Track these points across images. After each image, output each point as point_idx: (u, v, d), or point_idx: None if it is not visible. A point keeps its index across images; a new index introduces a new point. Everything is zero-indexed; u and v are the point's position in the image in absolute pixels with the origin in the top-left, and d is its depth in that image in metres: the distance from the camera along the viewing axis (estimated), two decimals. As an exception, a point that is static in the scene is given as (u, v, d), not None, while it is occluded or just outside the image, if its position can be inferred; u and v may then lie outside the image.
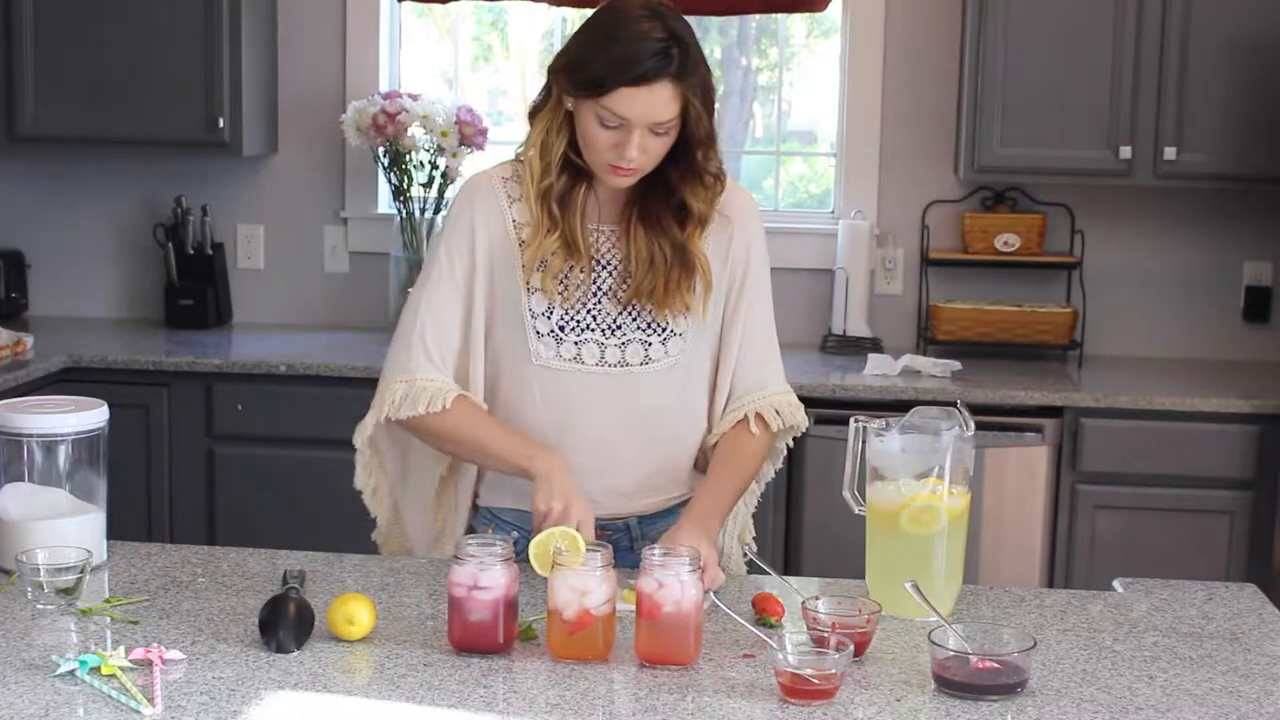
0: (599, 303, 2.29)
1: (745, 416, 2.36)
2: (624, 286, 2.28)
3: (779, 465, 2.48)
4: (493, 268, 2.30)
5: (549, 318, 2.28)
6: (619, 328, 2.29)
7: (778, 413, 2.37)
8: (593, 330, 2.28)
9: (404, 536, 2.45)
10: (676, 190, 2.26)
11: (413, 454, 2.41)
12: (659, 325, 2.29)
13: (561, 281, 2.27)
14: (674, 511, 2.38)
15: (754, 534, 2.48)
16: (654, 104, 2.14)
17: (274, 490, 4.10)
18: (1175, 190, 4.38)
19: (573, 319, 2.28)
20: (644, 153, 2.18)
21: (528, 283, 2.27)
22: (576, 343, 2.28)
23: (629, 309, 2.29)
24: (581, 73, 2.17)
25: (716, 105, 2.27)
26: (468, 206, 2.33)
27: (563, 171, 2.25)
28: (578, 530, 2.08)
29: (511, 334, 2.30)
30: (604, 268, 2.30)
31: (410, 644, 1.96)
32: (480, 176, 2.36)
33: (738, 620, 1.97)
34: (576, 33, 2.24)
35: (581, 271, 2.27)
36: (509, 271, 2.29)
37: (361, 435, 2.36)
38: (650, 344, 2.29)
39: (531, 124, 2.28)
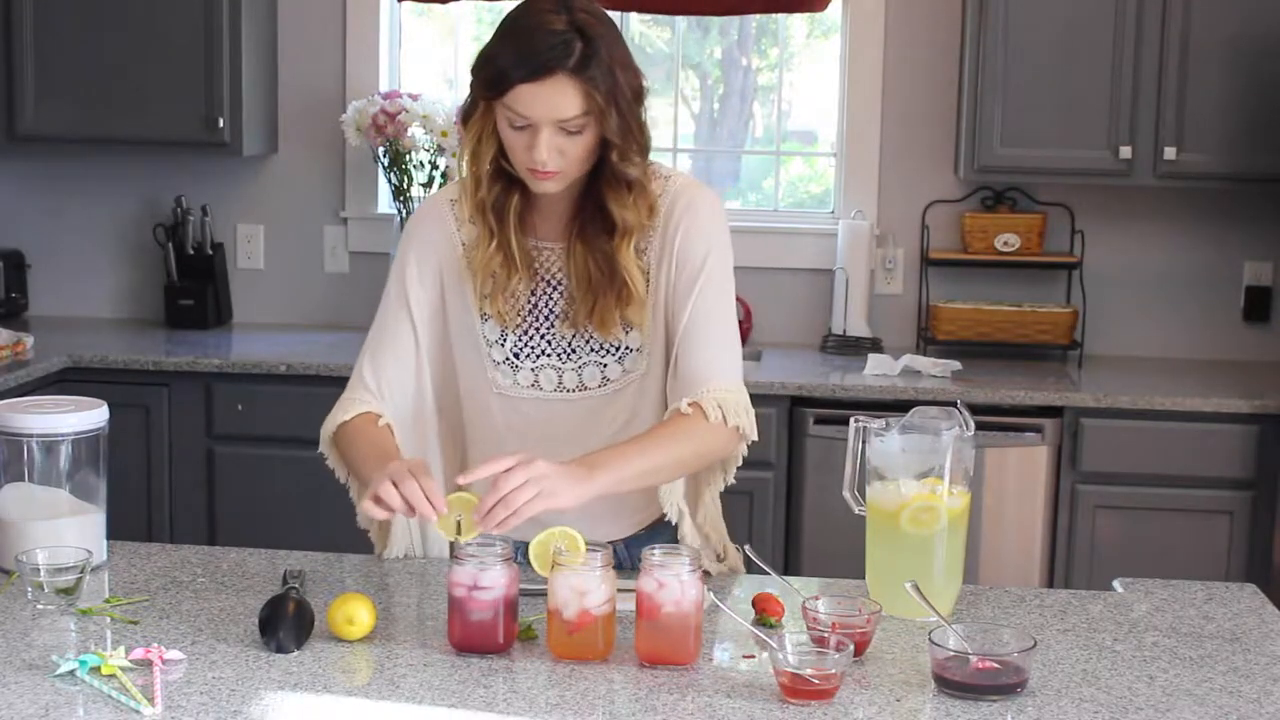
0: (551, 326, 2.23)
1: (679, 407, 2.16)
2: (573, 308, 2.22)
3: (730, 479, 2.31)
4: (444, 294, 2.26)
5: (503, 345, 2.24)
6: (573, 351, 2.23)
7: (719, 406, 2.16)
8: (548, 355, 2.24)
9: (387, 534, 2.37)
10: (604, 199, 2.16)
11: None
12: (610, 345, 2.22)
13: (508, 301, 2.21)
14: (658, 532, 2.31)
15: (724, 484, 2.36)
16: (554, 100, 2.03)
17: (274, 490, 4.11)
18: (1175, 190, 4.38)
19: (527, 345, 2.24)
20: (559, 154, 2.08)
21: (481, 310, 2.23)
22: (533, 369, 2.24)
23: (581, 331, 2.22)
24: (484, 73, 2.08)
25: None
26: (414, 235, 2.29)
27: (497, 180, 2.17)
28: (417, 476, 1.98)
29: (472, 363, 2.27)
30: (554, 289, 2.23)
31: (410, 644, 1.96)
32: (428, 202, 2.32)
33: (738, 620, 1.97)
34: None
35: (525, 287, 2.21)
36: (463, 297, 2.25)
37: (321, 445, 2.32)
38: (606, 365, 2.24)
39: (464, 132, 2.18)
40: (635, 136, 2.13)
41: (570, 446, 2.16)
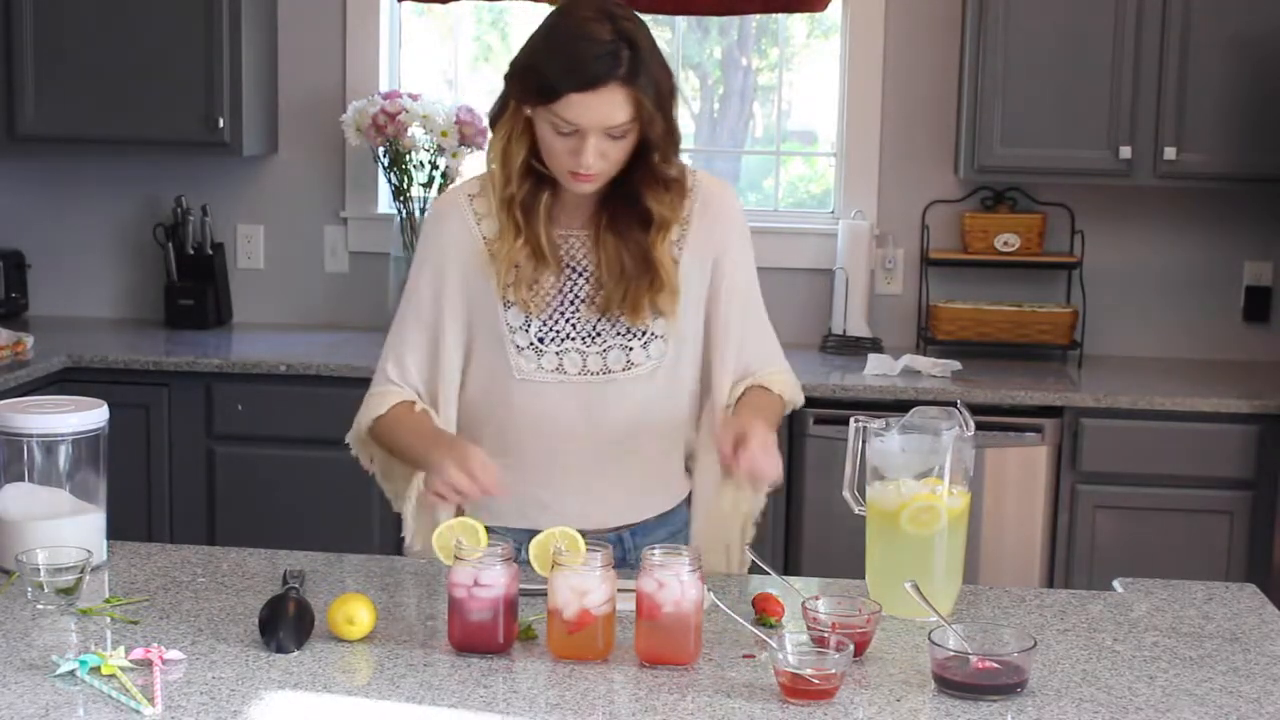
0: (577, 311, 2.27)
1: (754, 384, 2.35)
2: (600, 293, 2.26)
3: None
4: (467, 288, 2.29)
5: (527, 330, 2.26)
6: (599, 335, 2.27)
7: (783, 386, 2.37)
8: (573, 339, 2.27)
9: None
10: (639, 195, 2.22)
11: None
12: (638, 330, 2.27)
13: (533, 289, 2.25)
14: (667, 521, 2.37)
15: (753, 532, 2.45)
16: (605, 108, 2.09)
17: (274, 490, 4.10)
18: (1175, 190, 4.38)
19: (552, 329, 2.26)
20: (602, 158, 2.14)
21: (504, 297, 2.26)
22: (558, 353, 2.26)
23: (607, 316, 2.27)
24: (530, 80, 2.13)
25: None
26: (435, 231, 2.32)
27: (526, 178, 2.21)
28: (482, 472, 2.08)
29: (492, 351, 2.29)
30: (579, 274, 2.28)
31: (410, 644, 1.96)
32: (446, 196, 2.35)
33: (738, 620, 1.97)
34: (531, 36, 2.20)
35: (551, 277, 2.25)
36: (485, 289, 2.27)
37: (350, 438, 2.39)
38: (631, 349, 2.28)
39: (493, 130, 2.24)
40: (674, 136, 2.20)
41: (587, 430, 2.26)
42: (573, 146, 2.12)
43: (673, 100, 2.18)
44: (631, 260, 2.23)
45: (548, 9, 4.95)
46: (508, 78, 2.19)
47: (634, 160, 2.19)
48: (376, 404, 2.30)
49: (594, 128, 2.10)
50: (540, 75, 2.11)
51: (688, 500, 2.42)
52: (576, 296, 2.27)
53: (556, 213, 2.27)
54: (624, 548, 2.32)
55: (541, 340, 2.26)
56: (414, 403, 2.30)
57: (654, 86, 2.12)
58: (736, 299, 2.34)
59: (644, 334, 2.28)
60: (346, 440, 2.38)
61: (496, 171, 2.23)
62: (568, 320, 2.27)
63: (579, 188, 2.19)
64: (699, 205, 2.29)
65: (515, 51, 2.22)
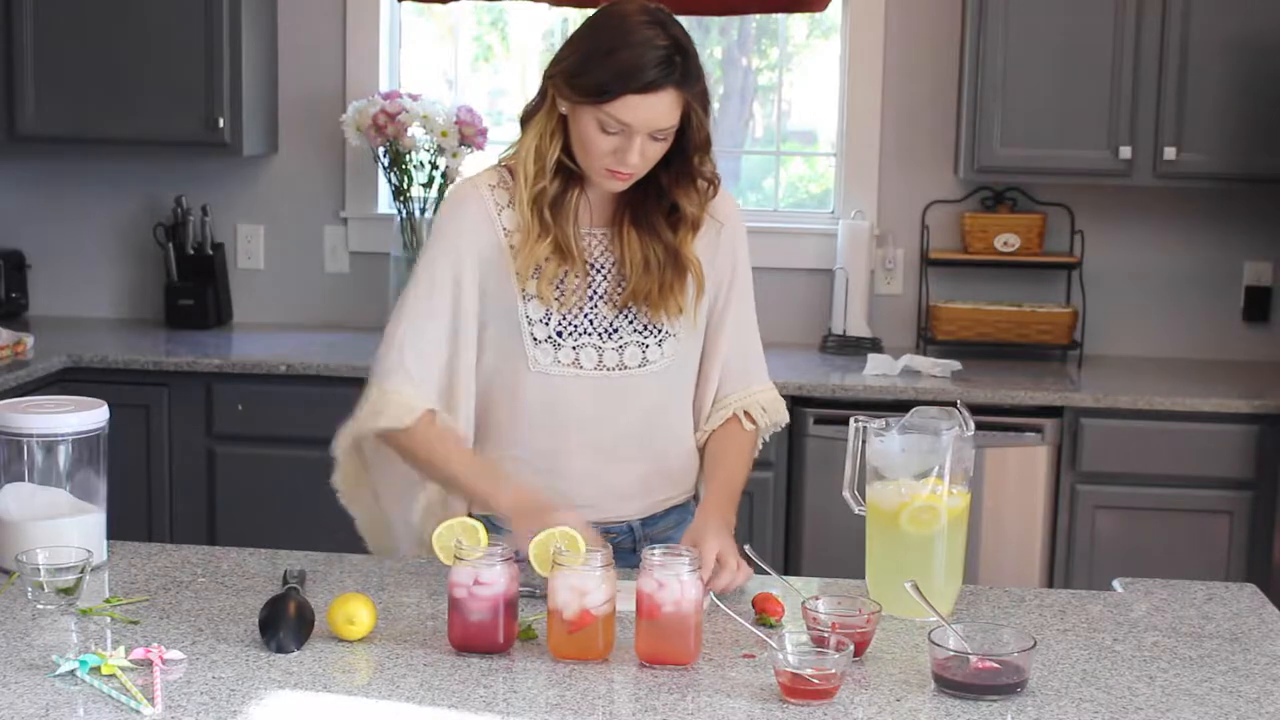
0: (595, 307, 2.29)
1: (734, 414, 2.39)
2: (619, 290, 2.29)
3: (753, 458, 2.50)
4: (484, 277, 2.29)
5: (546, 324, 2.28)
6: (615, 331, 2.30)
7: (764, 410, 2.41)
8: (590, 334, 2.29)
9: (389, 537, 2.43)
10: (669, 193, 2.27)
11: (405, 468, 2.38)
12: (654, 327, 2.31)
13: (557, 286, 2.27)
14: (673, 512, 2.39)
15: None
16: (658, 111, 2.15)
17: (274, 490, 4.10)
18: (1175, 190, 4.38)
19: (570, 324, 2.28)
20: (642, 158, 2.19)
21: (523, 289, 2.27)
22: (574, 347, 2.28)
23: (625, 312, 2.30)
24: (584, 79, 2.17)
25: (713, 109, 2.28)
26: (456, 217, 2.32)
27: (555, 176, 2.25)
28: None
29: (507, 342, 2.29)
30: (598, 271, 2.30)
31: (410, 644, 1.96)
32: (466, 185, 2.35)
33: (738, 620, 1.97)
34: (575, 38, 2.24)
35: (576, 276, 2.28)
36: (502, 279, 2.28)
37: (339, 446, 2.35)
38: (647, 346, 2.31)
39: (524, 128, 2.28)
40: (711, 140, 2.26)
41: (599, 423, 2.29)
42: (617, 145, 2.17)
43: (709, 104, 2.25)
44: (660, 255, 2.28)
45: (548, 9, 4.96)
46: (550, 76, 2.23)
47: (669, 160, 2.24)
48: (398, 410, 2.26)
49: (643, 129, 2.16)
50: (594, 76, 2.15)
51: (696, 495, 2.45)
52: (595, 292, 2.30)
53: (580, 211, 2.30)
54: (634, 537, 2.34)
55: (560, 334, 2.28)
56: (437, 415, 2.28)
57: (702, 93, 2.20)
58: (742, 313, 2.41)
59: (659, 331, 2.31)
60: (342, 433, 2.33)
61: (529, 165, 2.25)
62: (586, 316, 2.29)
63: (612, 185, 2.23)
64: (713, 212, 2.34)
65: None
